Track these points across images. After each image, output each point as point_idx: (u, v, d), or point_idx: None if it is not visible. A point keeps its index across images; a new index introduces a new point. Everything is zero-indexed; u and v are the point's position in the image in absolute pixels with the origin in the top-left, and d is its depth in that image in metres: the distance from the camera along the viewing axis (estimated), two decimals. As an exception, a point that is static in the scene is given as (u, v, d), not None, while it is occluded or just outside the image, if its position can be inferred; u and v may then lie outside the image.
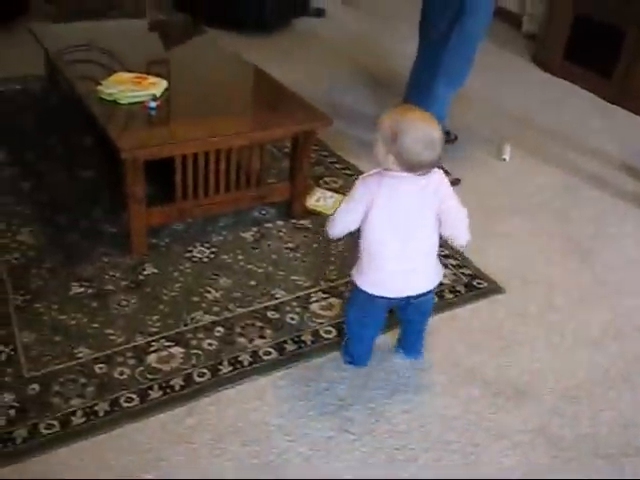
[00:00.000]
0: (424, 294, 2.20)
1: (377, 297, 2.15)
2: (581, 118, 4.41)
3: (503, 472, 2.06)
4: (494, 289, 2.76)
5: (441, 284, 2.70)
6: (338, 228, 2.17)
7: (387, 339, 2.46)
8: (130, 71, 2.96)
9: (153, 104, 2.74)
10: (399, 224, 2.05)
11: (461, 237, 2.15)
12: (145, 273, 2.63)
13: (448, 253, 2.91)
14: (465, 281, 2.78)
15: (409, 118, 1.99)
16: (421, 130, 1.96)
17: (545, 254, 3.04)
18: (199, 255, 2.75)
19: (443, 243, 2.91)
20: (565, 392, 2.36)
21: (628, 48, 4.53)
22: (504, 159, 3.72)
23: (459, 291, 2.72)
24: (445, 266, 2.83)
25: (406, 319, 2.35)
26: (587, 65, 4.82)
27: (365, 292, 2.16)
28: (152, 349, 2.31)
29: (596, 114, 4.50)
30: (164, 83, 2.89)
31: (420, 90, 3.23)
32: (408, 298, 2.18)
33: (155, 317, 2.44)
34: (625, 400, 2.37)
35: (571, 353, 2.53)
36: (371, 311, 2.23)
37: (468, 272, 2.82)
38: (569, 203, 3.44)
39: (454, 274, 2.80)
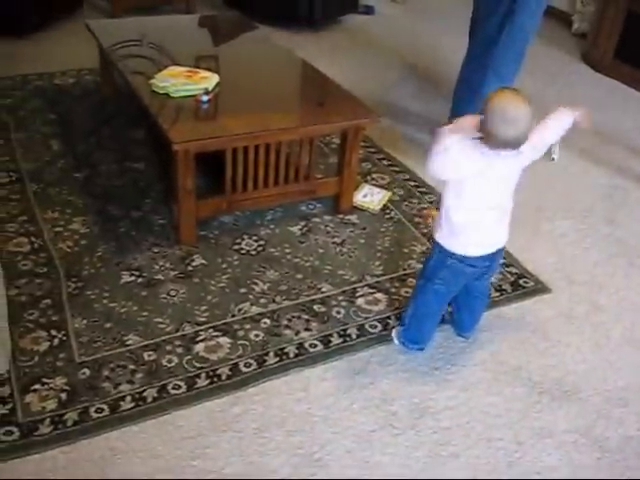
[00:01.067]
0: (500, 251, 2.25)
1: (469, 259, 2.17)
2: (631, 119, 4.35)
3: (546, 471, 2.06)
4: (540, 289, 2.75)
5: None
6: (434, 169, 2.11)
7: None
8: (182, 65, 3.01)
9: (206, 98, 2.78)
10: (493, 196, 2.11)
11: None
12: (194, 264, 2.67)
13: (494, 251, 2.91)
14: (512, 280, 2.77)
15: (496, 99, 1.99)
16: (504, 109, 1.96)
17: (592, 255, 3.02)
18: (247, 247, 2.78)
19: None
20: (611, 394, 2.35)
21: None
22: (553, 159, 3.69)
23: (505, 290, 2.72)
24: (491, 264, 2.84)
25: (470, 299, 2.39)
26: (638, 65, 4.75)
27: (456, 255, 2.17)
28: (200, 338, 2.35)
29: (646, 115, 4.44)
30: (216, 77, 2.93)
31: (470, 88, 3.22)
32: (492, 259, 2.21)
33: (203, 307, 2.48)
34: (672, 404, 2.35)
35: (617, 355, 2.51)
36: (457, 279, 2.25)
37: (515, 271, 2.81)
38: (618, 204, 3.40)
39: (501, 272, 2.79)
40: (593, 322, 2.64)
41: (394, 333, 2.43)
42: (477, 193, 2.07)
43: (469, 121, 2.05)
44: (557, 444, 2.15)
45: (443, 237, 2.18)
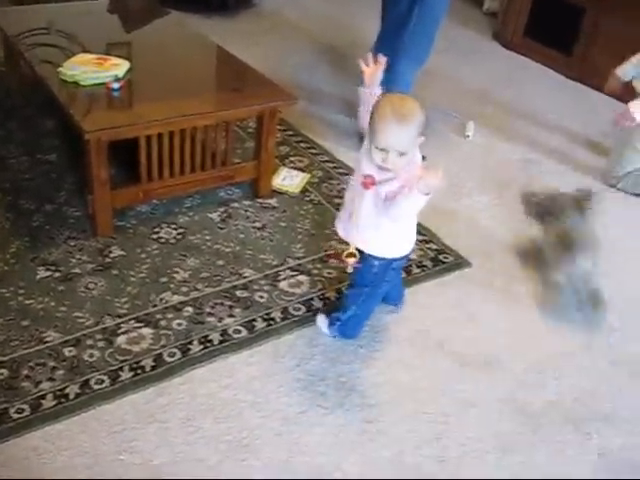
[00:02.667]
0: None
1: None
2: (542, 94, 4.46)
3: (472, 441, 2.10)
4: (460, 263, 2.80)
5: (409, 259, 2.75)
6: None
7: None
8: (92, 53, 2.93)
9: (116, 85, 2.71)
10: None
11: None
12: (112, 255, 2.61)
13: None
14: (432, 256, 2.81)
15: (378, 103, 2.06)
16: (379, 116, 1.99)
17: (509, 227, 3.08)
18: (166, 236, 2.74)
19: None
20: (531, 362, 2.41)
21: (587, 25, 4.58)
22: (468, 136, 3.75)
23: (426, 266, 2.75)
24: (412, 242, 2.87)
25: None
26: (547, 42, 4.86)
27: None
28: (121, 331, 2.30)
29: (557, 90, 4.55)
30: (127, 64, 2.86)
31: (384, 70, 3.22)
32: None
33: (123, 299, 2.43)
34: (589, 367, 2.43)
35: (537, 324, 2.58)
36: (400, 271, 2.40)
37: (435, 247, 2.85)
38: (532, 179, 3.48)
39: (421, 249, 2.83)
40: (512, 293, 2.70)
41: (323, 325, 2.40)
42: None
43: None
44: (482, 413, 2.20)
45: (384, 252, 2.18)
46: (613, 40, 4.35)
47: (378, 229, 2.12)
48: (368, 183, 2.01)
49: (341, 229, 2.24)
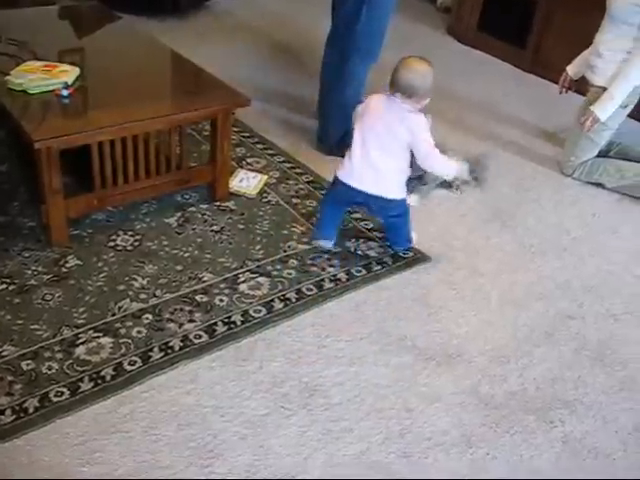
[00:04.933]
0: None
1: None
2: (498, 87, 4.49)
3: (437, 435, 2.11)
4: (420, 258, 2.80)
5: (368, 257, 2.75)
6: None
7: (308, 318, 2.48)
8: (41, 60, 2.88)
9: (65, 92, 2.67)
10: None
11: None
12: (68, 265, 2.57)
13: (373, 226, 2.95)
14: (391, 252, 2.81)
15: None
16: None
17: (468, 221, 3.10)
18: (123, 243, 2.71)
19: (368, 217, 2.97)
20: (493, 353, 2.42)
21: (539, 18, 4.63)
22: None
23: (386, 262, 2.76)
24: (371, 239, 2.87)
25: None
26: (501, 36, 4.91)
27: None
28: (80, 341, 2.27)
29: (512, 83, 4.59)
30: (76, 70, 2.82)
31: (334, 66, 3.22)
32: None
33: (81, 309, 2.39)
34: (550, 356, 2.45)
35: (497, 315, 2.60)
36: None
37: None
38: (490, 170, 3.50)
39: (380, 246, 2.83)
40: (472, 286, 2.72)
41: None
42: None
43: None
44: (446, 407, 2.20)
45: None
46: (565, 32, 4.41)
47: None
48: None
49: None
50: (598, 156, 3.51)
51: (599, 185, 3.49)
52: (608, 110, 3.29)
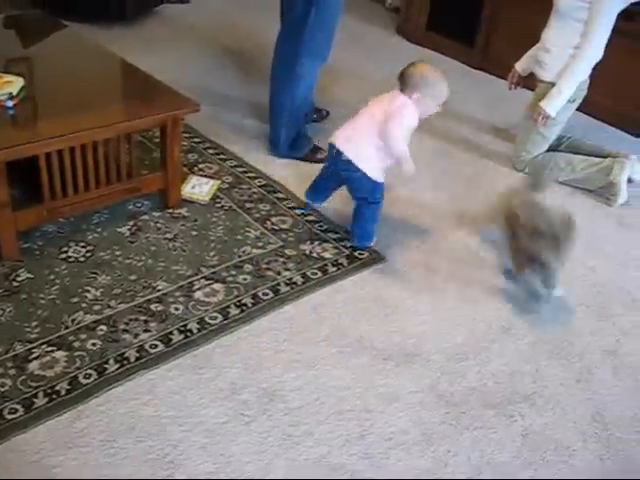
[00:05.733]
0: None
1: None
2: (448, 85, 4.51)
3: (397, 434, 2.11)
4: (375, 258, 2.81)
5: (323, 258, 2.75)
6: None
7: (265, 323, 2.47)
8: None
9: (10, 103, 2.62)
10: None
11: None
12: (19, 279, 2.52)
13: (327, 227, 2.95)
14: (347, 253, 2.81)
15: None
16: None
17: (422, 219, 3.11)
18: (75, 255, 2.66)
19: (324, 219, 2.97)
20: (451, 350, 2.43)
21: (487, 17, 4.68)
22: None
23: (342, 264, 2.75)
24: (326, 240, 2.87)
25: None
26: (450, 34, 4.94)
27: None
28: (33, 356, 2.22)
29: (462, 80, 4.61)
30: (20, 81, 2.77)
31: (284, 68, 3.21)
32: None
33: (34, 323, 2.35)
34: (508, 351, 2.47)
35: (453, 312, 2.61)
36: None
37: (349, 245, 2.86)
38: (442, 168, 3.53)
39: (335, 247, 2.83)
40: (428, 284, 2.73)
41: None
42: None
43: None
44: (405, 406, 2.21)
45: None
46: (512, 29, 4.45)
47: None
48: None
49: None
50: (549, 150, 3.56)
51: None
52: (557, 105, 3.34)
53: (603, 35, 3.25)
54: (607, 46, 3.30)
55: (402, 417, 2.17)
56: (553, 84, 3.36)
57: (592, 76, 3.40)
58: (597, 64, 3.35)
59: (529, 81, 3.62)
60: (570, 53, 3.29)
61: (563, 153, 3.56)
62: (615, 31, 3.30)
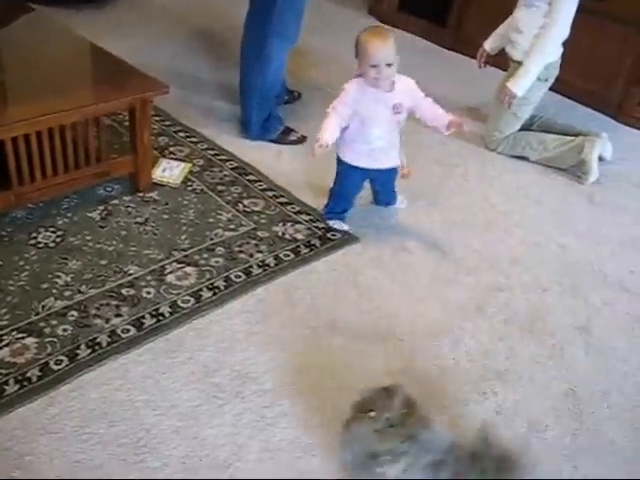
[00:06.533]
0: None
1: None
2: (420, 66, 4.46)
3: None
4: (348, 239, 2.80)
5: (296, 240, 2.74)
6: None
7: (238, 305, 2.46)
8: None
9: (-26, 88, 2.59)
10: None
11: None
12: (-13, 266, 2.50)
13: (300, 209, 2.94)
14: (320, 234, 2.81)
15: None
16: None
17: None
18: (45, 240, 2.63)
19: (296, 201, 2.96)
20: (425, 330, 2.44)
21: (458, -4, 4.67)
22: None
23: (314, 245, 2.75)
24: (298, 222, 2.86)
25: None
26: (421, 15, 4.93)
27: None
28: (3, 343, 2.20)
29: (435, 61, 4.61)
30: (-16, 65, 2.73)
31: (254, 50, 3.18)
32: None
33: (3, 310, 2.32)
34: (481, 329, 2.48)
35: (427, 292, 2.62)
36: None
37: (322, 226, 2.85)
38: (414, 148, 3.51)
39: (308, 229, 2.83)
40: (401, 265, 2.73)
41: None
42: None
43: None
44: (380, 385, 2.20)
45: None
46: (484, 8, 4.45)
47: (394, 144, 2.76)
48: (399, 110, 2.65)
49: (364, 162, 2.73)
50: (522, 129, 3.57)
51: (523, 158, 3.54)
52: (524, 85, 3.34)
53: (567, 13, 3.26)
54: (578, 26, 3.32)
55: (376, 396, 2.18)
56: None
57: (563, 55, 3.41)
58: (567, 43, 3.36)
59: (501, 60, 3.62)
60: (537, 33, 3.29)
61: (535, 132, 3.57)
62: (585, 11, 3.31)
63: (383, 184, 2.93)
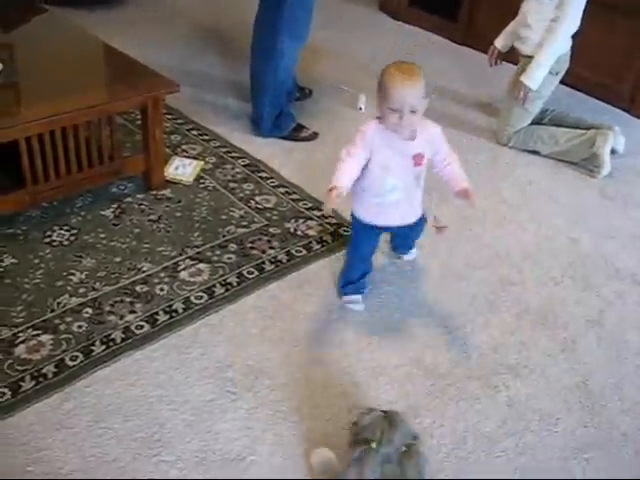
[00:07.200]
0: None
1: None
2: (432, 62, 4.49)
3: (384, 407, 2.11)
4: (360, 235, 2.81)
5: (308, 236, 2.76)
6: None
7: (250, 301, 2.48)
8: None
9: (-11, 88, 2.62)
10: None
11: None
12: (3, 264, 2.52)
13: (312, 205, 2.95)
14: (331, 230, 2.82)
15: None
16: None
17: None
18: (59, 239, 2.66)
19: (307, 197, 2.97)
20: (436, 323, 2.45)
21: (469, -10, 4.66)
22: (360, 108, 3.76)
23: (326, 241, 2.76)
24: (310, 218, 2.87)
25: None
26: (433, 10, 4.92)
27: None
28: (19, 340, 2.23)
29: (446, 56, 4.61)
30: (-1, 66, 2.76)
31: (264, 47, 3.19)
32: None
33: (19, 307, 2.35)
34: (493, 323, 2.48)
35: (439, 286, 2.62)
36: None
37: (334, 221, 2.86)
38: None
39: (320, 225, 2.84)
40: (412, 260, 2.74)
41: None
42: None
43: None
44: (391, 379, 2.23)
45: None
46: (495, 3, 4.44)
47: (414, 198, 2.42)
48: (420, 161, 2.29)
49: (375, 217, 2.38)
50: (533, 124, 3.56)
51: (534, 152, 3.54)
52: (537, 78, 3.33)
53: (578, 5, 3.26)
54: (588, 18, 3.31)
55: (388, 390, 2.19)
56: None
57: (573, 48, 3.41)
58: (576, 36, 3.35)
59: (512, 55, 3.62)
60: (548, 26, 3.29)
61: (546, 126, 3.57)
62: (595, 3, 3.30)
63: (404, 238, 2.68)
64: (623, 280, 2.75)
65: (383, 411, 1.80)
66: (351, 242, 2.53)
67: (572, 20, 3.29)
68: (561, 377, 2.30)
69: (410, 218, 2.44)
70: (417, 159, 2.27)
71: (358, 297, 2.49)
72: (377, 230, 2.45)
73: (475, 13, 4.68)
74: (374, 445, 1.71)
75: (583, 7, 3.27)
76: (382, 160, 2.24)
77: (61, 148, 2.62)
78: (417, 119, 2.20)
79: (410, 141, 2.25)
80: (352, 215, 2.44)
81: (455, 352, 2.35)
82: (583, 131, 3.45)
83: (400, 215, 2.40)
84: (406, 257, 2.74)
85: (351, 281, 2.49)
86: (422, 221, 2.54)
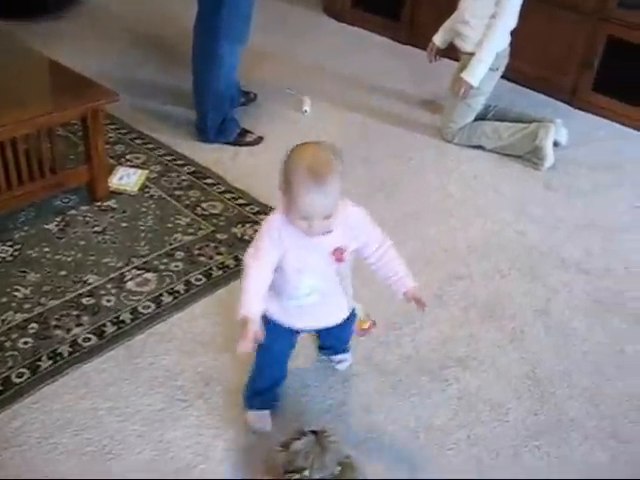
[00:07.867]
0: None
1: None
2: (376, 62, 4.53)
3: (335, 406, 2.14)
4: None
5: (254, 240, 2.74)
6: None
7: (199, 308, 2.47)
8: None
9: None
10: None
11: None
12: (-56, 283, 2.49)
13: (259, 209, 2.95)
14: (278, 233, 2.82)
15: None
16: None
17: (353, 196, 3.07)
18: (2, 255, 2.62)
19: (254, 202, 2.93)
20: (385, 321, 2.46)
21: (410, -10, 4.70)
22: (305, 111, 3.77)
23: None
24: (257, 222, 2.87)
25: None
26: (375, 11, 4.94)
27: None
28: (-37, 359, 2.20)
29: (390, 56, 4.63)
30: None
31: (204, 54, 3.18)
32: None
33: (-37, 326, 2.32)
34: (441, 318, 2.51)
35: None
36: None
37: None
38: (372, 144, 3.54)
39: (267, 229, 2.83)
40: (359, 257, 2.74)
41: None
42: None
43: None
44: (342, 379, 2.24)
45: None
46: (436, 2, 4.47)
47: (336, 294, 1.99)
48: (341, 256, 1.85)
49: (294, 320, 1.97)
50: (477, 120, 3.60)
51: (479, 148, 3.58)
52: (478, 75, 3.38)
53: (516, 2, 3.31)
54: (527, 13, 3.36)
55: (339, 390, 2.20)
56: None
57: (513, 43, 3.46)
58: (515, 31, 3.40)
59: (452, 52, 3.65)
60: (488, 23, 3.33)
61: (490, 121, 3.61)
62: (534, -2, 3.36)
63: (335, 339, 2.26)
64: (568, 269, 2.80)
65: (313, 431, 1.75)
66: (261, 348, 1.89)
67: (510, 16, 3.34)
68: (510, 367, 2.34)
69: (336, 318, 2.03)
70: (337, 254, 1.84)
71: (266, 412, 2.09)
72: (294, 333, 2.04)
73: (417, 12, 4.71)
74: (307, 473, 1.69)
75: (521, 2, 3.32)
76: (294, 262, 1.83)
77: (0, 162, 2.58)
78: (331, 222, 1.75)
79: (326, 237, 1.79)
80: (264, 316, 1.86)
81: (405, 348, 2.37)
82: (526, 125, 3.50)
83: (324, 316, 2.01)
84: (338, 359, 2.29)
85: (258, 393, 2.09)
86: (353, 317, 2.14)
